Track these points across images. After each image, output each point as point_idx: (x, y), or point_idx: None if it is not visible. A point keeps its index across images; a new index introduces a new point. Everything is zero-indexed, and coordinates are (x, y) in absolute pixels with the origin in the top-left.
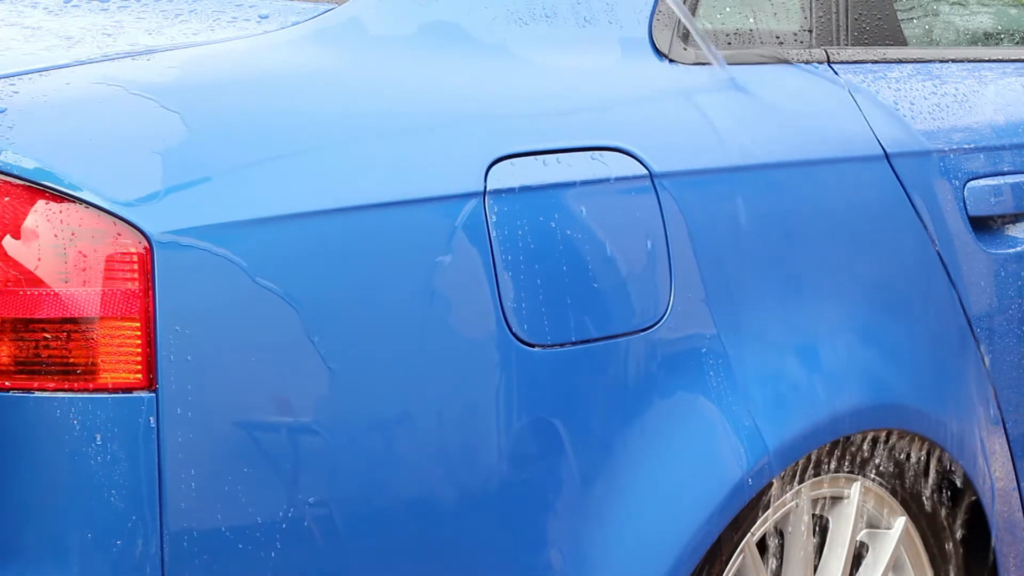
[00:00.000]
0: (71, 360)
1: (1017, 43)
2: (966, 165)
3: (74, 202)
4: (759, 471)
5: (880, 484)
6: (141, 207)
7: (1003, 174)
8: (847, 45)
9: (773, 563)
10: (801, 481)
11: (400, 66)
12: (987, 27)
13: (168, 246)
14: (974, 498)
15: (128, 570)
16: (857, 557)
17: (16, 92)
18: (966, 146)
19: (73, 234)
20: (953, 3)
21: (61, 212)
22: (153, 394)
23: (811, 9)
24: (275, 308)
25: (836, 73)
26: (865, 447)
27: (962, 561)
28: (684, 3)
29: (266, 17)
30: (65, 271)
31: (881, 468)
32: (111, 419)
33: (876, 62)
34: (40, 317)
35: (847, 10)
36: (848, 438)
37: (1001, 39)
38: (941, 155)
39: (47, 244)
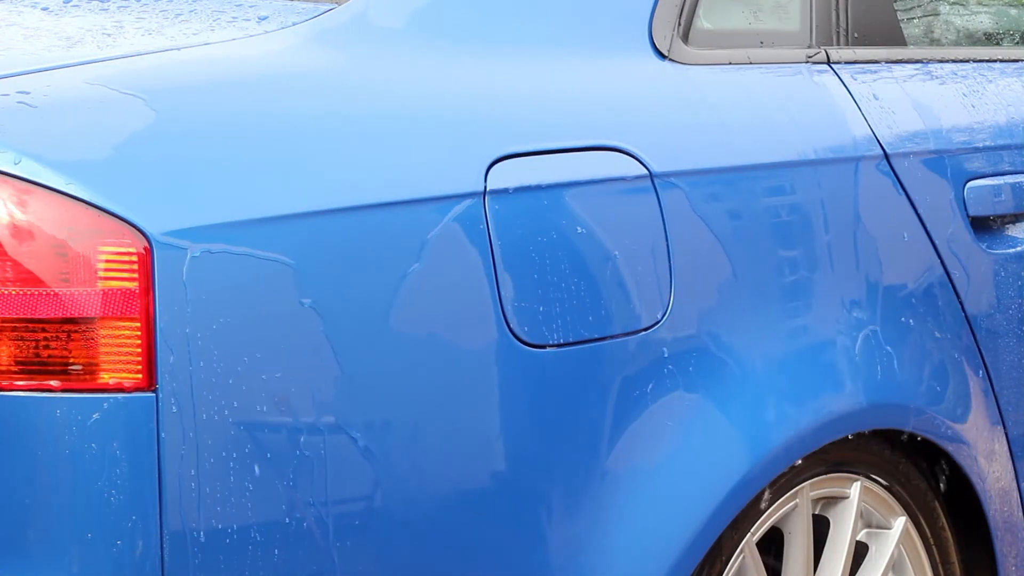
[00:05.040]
0: (71, 360)
1: (1017, 43)
2: (966, 165)
3: (74, 201)
4: (759, 471)
5: (880, 484)
6: (141, 207)
7: (1003, 174)
8: (847, 45)
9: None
10: (801, 481)
11: (400, 66)
12: (987, 27)
13: (168, 246)
14: (974, 498)
15: (128, 570)
16: (857, 557)
17: (16, 92)
18: (966, 146)
19: (73, 234)
20: (953, 3)
21: (61, 212)
22: (153, 394)
23: (811, 9)
24: (275, 308)
25: (836, 73)
26: (865, 447)
27: (962, 561)
28: (685, 3)
29: (266, 18)
30: (65, 271)
31: (881, 468)
32: (111, 419)
33: (876, 62)
34: (40, 317)
35: (847, 10)
36: (848, 438)
37: (1001, 39)
38: (941, 155)
39: (47, 244)
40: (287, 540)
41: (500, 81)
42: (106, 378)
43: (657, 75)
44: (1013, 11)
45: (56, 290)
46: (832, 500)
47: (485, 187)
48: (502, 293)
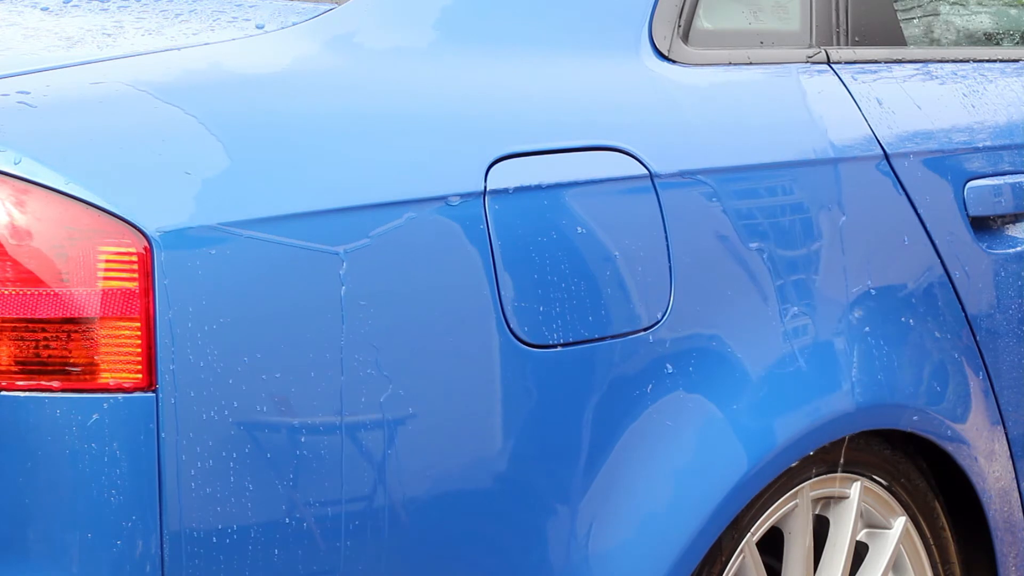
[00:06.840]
0: (71, 360)
1: (1017, 43)
2: (966, 165)
3: (74, 201)
4: (759, 471)
5: (880, 484)
6: (141, 206)
7: (1003, 174)
8: (847, 45)
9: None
10: (801, 481)
11: (400, 66)
12: (987, 27)
13: (168, 246)
14: (974, 498)
15: (128, 570)
16: (857, 557)
17: (16, 92)
18: (966, 146)
19: (73, 234)
20: (953, 3)
21: (61, 212)
22: (153, 394)
23: (811, 9)
24: (275, 308)
25: (836, 73)
26: (865, 447)
27: (962, 561)
28: (685, 3)
29: (266, 19)
30: (65, 271)
31: (881, 468)
32: (111, 419)
33: (876, 62)
34: (40, 317)
35: (847, 10)
36: (848, 438)
37: (1001, 39)
38: (941, 155)
39: (47, 244)
40: (287, 540)
41: (500, 81)
42: (106, 378)
43: (657, 75)
44: (1013, 11)
45: (56, 290)
46: (832, 500)
47: (485, 187)
48: (502, 293)
